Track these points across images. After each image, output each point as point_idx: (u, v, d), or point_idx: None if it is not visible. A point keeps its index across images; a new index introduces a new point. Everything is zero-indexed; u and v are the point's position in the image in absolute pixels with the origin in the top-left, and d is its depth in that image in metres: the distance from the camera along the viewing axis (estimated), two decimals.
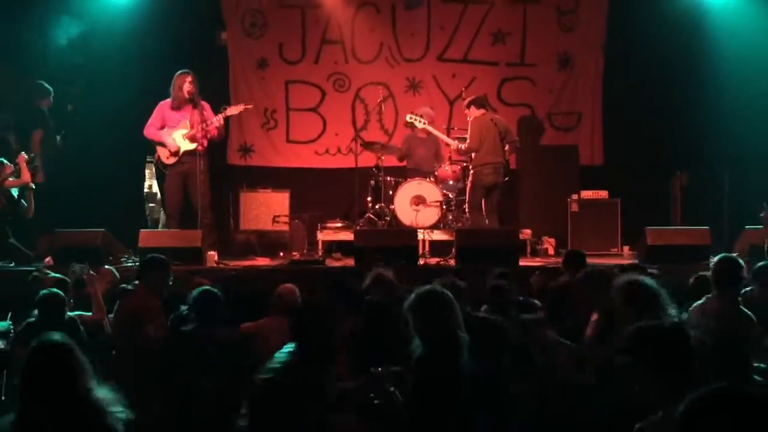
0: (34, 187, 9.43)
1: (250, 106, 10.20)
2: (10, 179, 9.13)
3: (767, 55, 10.88)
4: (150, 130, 9.60)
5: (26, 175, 9.21)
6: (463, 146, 9.89)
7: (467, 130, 10.00)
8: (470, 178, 9.89)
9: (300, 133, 12.18)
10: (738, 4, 11.10)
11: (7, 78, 11.08)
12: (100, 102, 11.13)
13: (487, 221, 9.82)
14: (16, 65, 10.96)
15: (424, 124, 10.35)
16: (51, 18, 10.76)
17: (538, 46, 12.11)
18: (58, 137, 11.01)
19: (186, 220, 9.57)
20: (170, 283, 6.35)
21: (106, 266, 7.46)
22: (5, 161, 9.28)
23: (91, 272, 6.71)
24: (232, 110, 9.83)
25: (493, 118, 9.89)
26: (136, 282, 6.32)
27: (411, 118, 10.47)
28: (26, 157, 9.29)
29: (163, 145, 9.60)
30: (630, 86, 11.56)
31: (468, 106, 9.99)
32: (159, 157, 9.69)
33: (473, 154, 9.86)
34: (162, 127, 9.56)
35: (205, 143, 9.50)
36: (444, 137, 10.47)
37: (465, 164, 10.49)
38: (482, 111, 9.91)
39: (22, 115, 10.78)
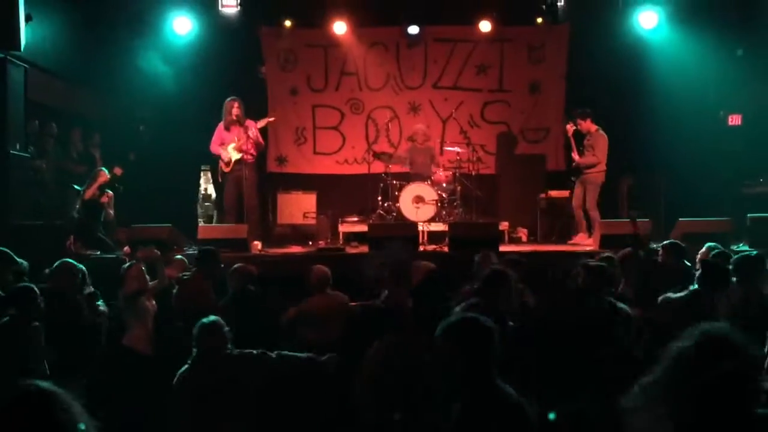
0: (113, 194, 9.53)
1: (272, 119, 10.20)
2: (96, 192, 9.19)
3: (695, 82, 10.92)
4: (214, 147, 9.77)
5: (105, 198, 9.30)
6: (589, 161, 9.68)
7: (464, 142, 9.98)
8: (589, 184, 9.69)
9: (324, 146, 12.25)
10: (673, 40, 11.12)
11: (96, 101, 11.20)
12: (165, 122, 11.23)
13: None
14: (105, 92, 11.07)
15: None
16: (130, 53, 10.84)
17: (513, 76, 12.16)
18: (132, 154, 11.12)
19: (238, 216, 9.63)
20: (220, 268, 6.41)
21: (178, 256, 7.46)
22: (104, 169, 9.37)
23: (155, 250, 6.74)
24: (261, 123, 9.88)
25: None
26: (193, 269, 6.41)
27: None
28: (122, 170, 9.45)
29: (220, 158, 9.71)
30: (586, 106, 11.57)
31: (584, 119, 9.77)
32: (221, 167, 9.76)
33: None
34: (221, 144, 9.68)
35: (255, 153, 9.64)
36: (574, 153, 9.93)
37: (455, 171, 10.54)
38: (594, 123, 9.78)
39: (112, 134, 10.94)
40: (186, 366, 4.51)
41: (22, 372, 4.62)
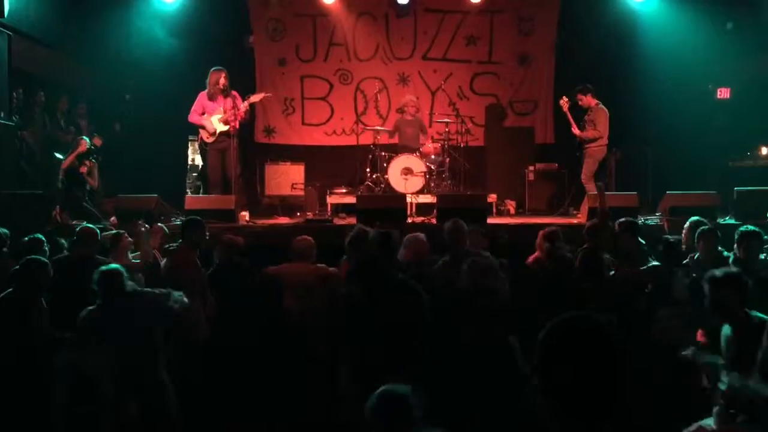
0: (95, 161, 9.42)
1: (269, 95, 10.09)
2: (74, 162, 9.08)
3: (685, 56, 10.85)
4: (193, 117, 9.45)
5: (84, 168, 9.19)
6: (590, 135, 9.51)
7: (452, 114, 9.90)
8: (588, 157, 9.58)
9: (313, 117, 12.15)
10: (663, 12, 11.04)
11: (82, 70, 11.03)
12: (151, 92, 11.08)
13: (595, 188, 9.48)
14: (90, 61, 10.89)
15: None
16: (116, 22, 10.66)
17: (502, 48, 12.06)
18: (117, 124, 10.97)
19: (224, 187, 9.51)
20: (206, 238, 6.33)
21: (158, 224, 7.42)
22: (86, 139, 9.27)
23: (146, 225, 6.68)
24: (255, 98, 9.68)
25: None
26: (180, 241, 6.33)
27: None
28: (101, 141, 9.33)
29: (204, 127, 9.43)
30: (575, 79, 11.50)
31: (585, 94, 9.60)
32: (201, 137, 9.52)
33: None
34: (202, 114, 9.45)
35: (237, 126, 9.40)
36: (574, 127, 9.64)
37: (444, 143, 10.47)
38: (595, 98, 9.63)
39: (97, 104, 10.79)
40: (92, 307, 4.77)
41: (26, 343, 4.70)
